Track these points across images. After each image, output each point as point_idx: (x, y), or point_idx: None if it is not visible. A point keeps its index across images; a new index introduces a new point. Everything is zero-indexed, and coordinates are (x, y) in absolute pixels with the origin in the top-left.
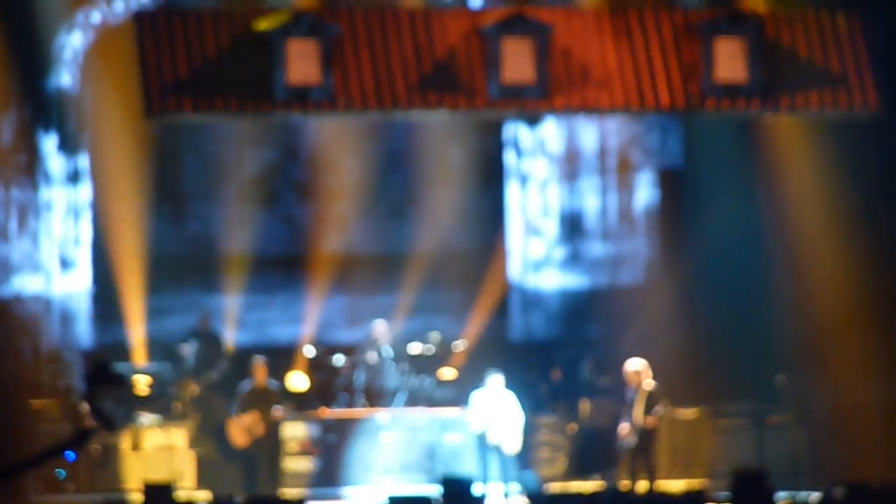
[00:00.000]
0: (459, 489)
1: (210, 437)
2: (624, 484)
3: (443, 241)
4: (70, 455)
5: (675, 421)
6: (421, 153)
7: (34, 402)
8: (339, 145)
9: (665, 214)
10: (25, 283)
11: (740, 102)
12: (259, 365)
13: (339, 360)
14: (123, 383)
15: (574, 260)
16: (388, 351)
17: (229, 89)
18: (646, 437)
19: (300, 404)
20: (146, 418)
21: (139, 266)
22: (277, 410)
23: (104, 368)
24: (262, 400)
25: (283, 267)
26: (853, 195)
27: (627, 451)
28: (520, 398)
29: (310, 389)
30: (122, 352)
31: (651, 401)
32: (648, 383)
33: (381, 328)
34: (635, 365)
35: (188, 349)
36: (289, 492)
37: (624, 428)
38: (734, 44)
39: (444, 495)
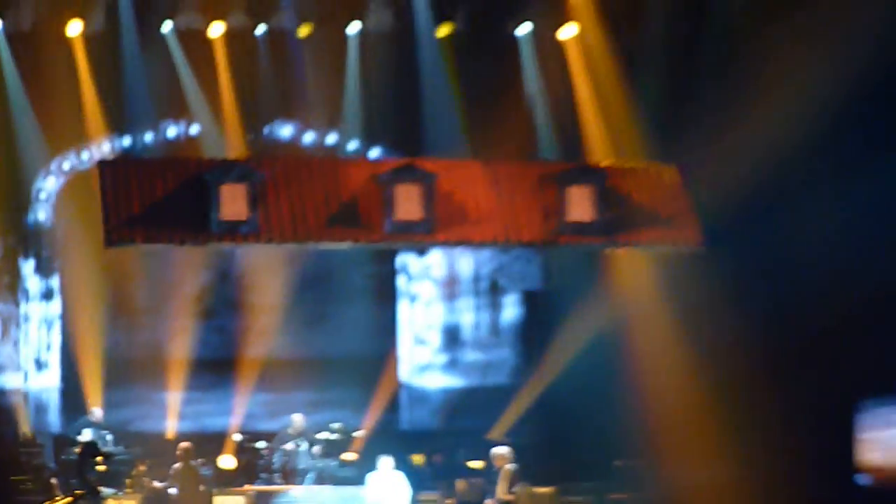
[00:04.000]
0: None
1: None
2: None
3: (347, 348)
4: None
5: (534, 497)
6: (329, 276)
7: (14, 478)
8: (263, 269)
9: (527, 328)
10: (7, 380)
11: (588, 238)
12: (182, 449)
13: (261, 444)
14: (111, 459)
15: (453, 365)
16: (301, 439)
17: (174, 223)
18: None
19: (229, 481)
20: (106, 491)
21: (99, 367)
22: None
23: (94, 447)
24: (188, 477)
25: (216, 369)
26: (683, 311)
27: None
28: (408, 477)
29: (237, 469)
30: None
31: (512, 481)
32: (510, 466)
33: (298, 420)
34: (500, 451)
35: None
36: None
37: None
38: (583, 191)
39: None
